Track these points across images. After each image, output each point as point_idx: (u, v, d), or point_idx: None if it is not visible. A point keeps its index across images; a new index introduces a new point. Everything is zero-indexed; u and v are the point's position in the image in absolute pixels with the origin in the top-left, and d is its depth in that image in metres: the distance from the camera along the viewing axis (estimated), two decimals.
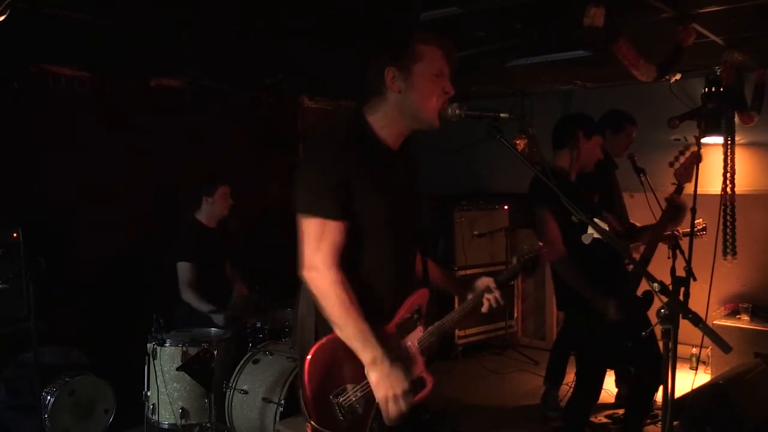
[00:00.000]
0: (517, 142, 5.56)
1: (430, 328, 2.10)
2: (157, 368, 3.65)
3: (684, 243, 3.67)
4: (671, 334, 1.68)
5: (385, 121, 2.06)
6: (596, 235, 2.01)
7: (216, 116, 5.52)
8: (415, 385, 2.02)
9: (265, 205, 5.71)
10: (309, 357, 1.94)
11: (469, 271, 5.89)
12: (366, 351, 1.93)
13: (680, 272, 3.36)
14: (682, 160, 3.47)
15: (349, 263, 1.98)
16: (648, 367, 3.42)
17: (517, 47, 4.41)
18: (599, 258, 3.14)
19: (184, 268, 4.24)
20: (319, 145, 2.03)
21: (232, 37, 3.99)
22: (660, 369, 1.77)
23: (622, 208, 4.24)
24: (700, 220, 4.07)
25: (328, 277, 1.93)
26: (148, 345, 3.73)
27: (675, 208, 3.44)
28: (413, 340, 2.11)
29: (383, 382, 1.92)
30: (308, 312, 2.02)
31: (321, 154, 1.99)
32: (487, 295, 2.18)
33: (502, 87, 6.09)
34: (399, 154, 2.12)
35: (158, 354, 3.69)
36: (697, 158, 3.47)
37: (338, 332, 1.94)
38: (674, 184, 3.46)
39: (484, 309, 2.20)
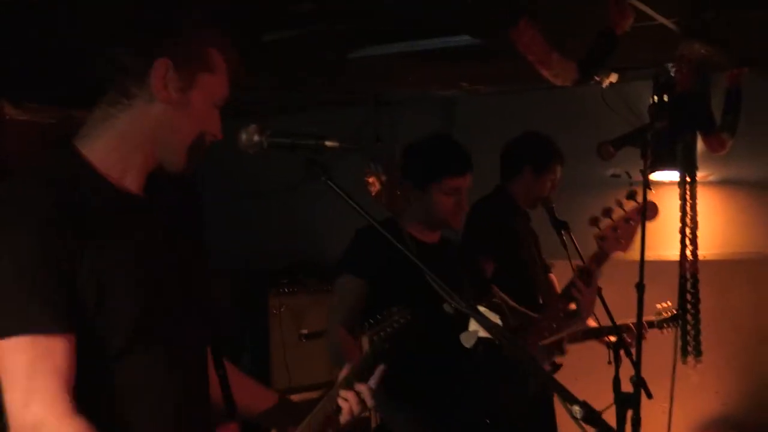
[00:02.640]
0: (370, 180, 5.34)
1: None
2: None
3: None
4: None
5: (116, 148, 1.94)
6: (482, 333, 1.97)
7: None
8: None
9: None
10: None
11: (295, 396, 5.12)
12: None
13: (626, 385, 3.21)
14: (616, 217, 3.32)
15: (89, 401, 1.80)
16: None
17: (365, 30, 4.28)
18: None
19: None
20: (11, 212, 1.80)
21: None
22: None
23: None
24: (668, 302, 4.04)
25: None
26: None
27: (578, 288, 3.31)
28: None
29: None
30: None
31: (15, 229, 1.78)
32: (343, 393, 2.23)
33: (347, 92, 5.96)
34: (149, 202, 2.04)
35: None
36: (649, 214, 3.24)
37: None
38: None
39: (343, 419, 2.24)
